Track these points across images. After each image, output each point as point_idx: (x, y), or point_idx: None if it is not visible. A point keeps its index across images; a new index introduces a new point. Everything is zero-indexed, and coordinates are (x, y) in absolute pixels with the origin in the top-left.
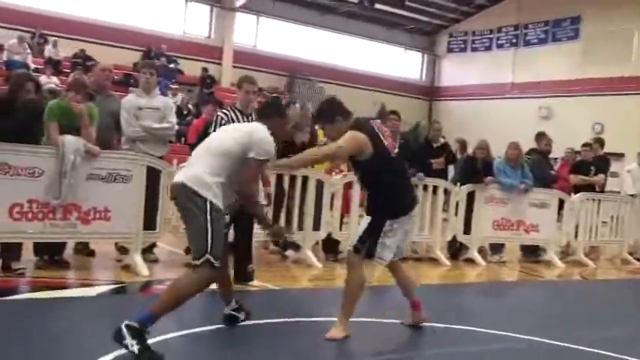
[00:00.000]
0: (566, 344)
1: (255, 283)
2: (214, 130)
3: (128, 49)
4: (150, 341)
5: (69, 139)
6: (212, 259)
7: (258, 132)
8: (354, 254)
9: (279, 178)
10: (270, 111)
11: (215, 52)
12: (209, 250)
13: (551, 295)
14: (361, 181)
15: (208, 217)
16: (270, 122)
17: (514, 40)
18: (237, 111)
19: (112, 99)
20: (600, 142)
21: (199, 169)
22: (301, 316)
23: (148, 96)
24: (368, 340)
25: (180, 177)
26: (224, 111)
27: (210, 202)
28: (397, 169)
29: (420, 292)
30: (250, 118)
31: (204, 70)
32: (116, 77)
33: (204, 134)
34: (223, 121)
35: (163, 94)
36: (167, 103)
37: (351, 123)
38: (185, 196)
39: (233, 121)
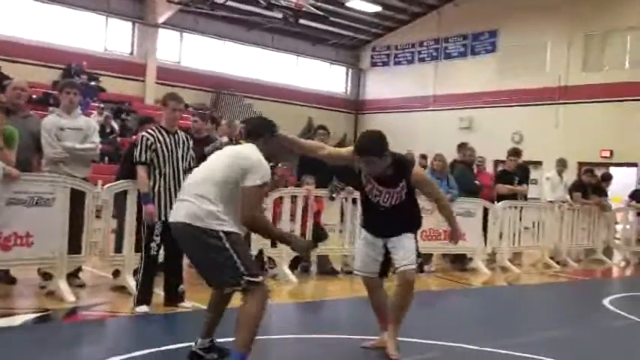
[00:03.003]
0: (494, 349)
1: (186, 303)
2: (140, 152)
3: (48, 66)
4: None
5: None
6: (251, 278)
7: (251, 155)
8: (414, 272)
9: None
10: (261, 130)
11: (138, 68)
12: (243, 272)
13: (478, 301)
14: (396, 203)
15: (227, 244)
16: (260, 142)
17: (435, 54)
18: (162, 130)
19: (31, 119)
20: (517, 152)
21: (199, 203)
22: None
23: (70, 116)
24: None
25: (179, 216)
26: (149, 131)
27: (224, 232)
28: None
29: (350, 305)
30: (176, 136)
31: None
32: (34, 96)
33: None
34: (149, 142)
35: (85, 113)
36: (90, 123)
37: (400, 158)
38: (194, 237)
39: (159, 141)
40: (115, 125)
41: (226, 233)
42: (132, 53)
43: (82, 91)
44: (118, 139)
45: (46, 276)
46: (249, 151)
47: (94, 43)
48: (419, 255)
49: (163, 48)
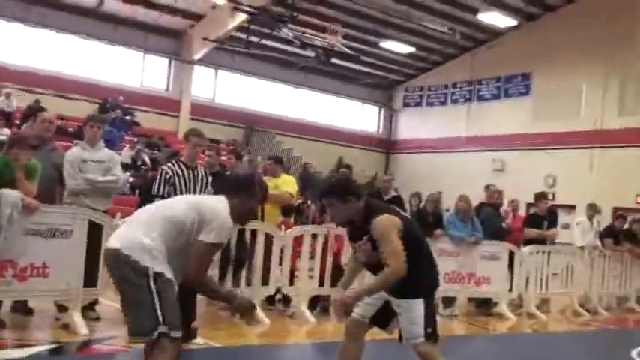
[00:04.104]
0: None
1: (198, 340)
2: (158, 186)
3: (84, 100)
4: None
5: (6, 193)
6: (167, 331)
7: (215, 210)
8: (428, 343)
9: (241, 233)
10: (242, 187)
11: (173, 104)
12: (161, 320)
13: (502, 348)
14: (373, 259)
15: (152, 285)
16: (235, 200)
17: (468, 96)
18: (182, 165)
19: (56, 152)
20: (544, 196)
21: (139, 232)
22: None
23: (93, 149)
24: None
25: (114, 241)
26: (168, 165)
27: (154, 272)
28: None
29: (369, 347)
30: (196, 171)
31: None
32: (71, 129)
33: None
34: (168, 176)
35: (114, 145)
36: (112, 156)
37: (370, 205)
38: (120, 267)
39: (178, 176)
40: (147, 159)
41: (156, 274)
42: (167, 89)
43: (117, 125)
44: (150, 173)
45: (62, 308)
46: (215, 204)
47: (131, 79)
48: (430, 324)
49: (198, 84)
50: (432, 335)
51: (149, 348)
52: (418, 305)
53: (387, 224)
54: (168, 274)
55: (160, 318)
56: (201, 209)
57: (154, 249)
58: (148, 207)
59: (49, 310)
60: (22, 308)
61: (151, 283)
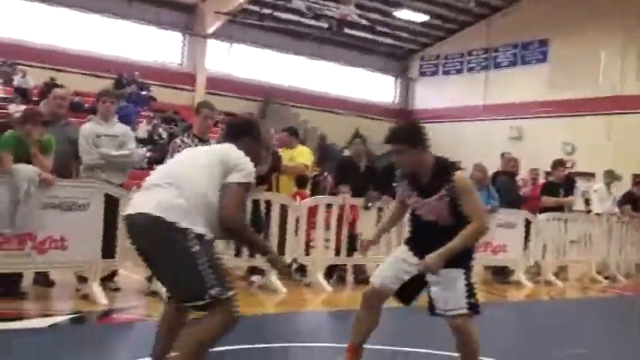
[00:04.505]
0: None
1: None
2: (170, 157)
3: (100, 77)
4: None
5: (22, 168)
6: (218, 294)
7: (235, 152)
8: (468, 316)
9: (256, 203)
10: (240, 130)
11: (188, 78)
12: (210, 284)
13: (518, 315)
14: (439, 220)
15: (196, 247)
16: (240, 144)
17: (484, 63)
18: (194, 137)
19: (70, 126)
20: (562, 163)
21: (170, 193)
22: (269, 342)
23: (107, 123)
24: None
25: (140, 207)
26: (181, 137)
27: (195, 233)
28: None
29: (385, 315)
30: (208, 144)
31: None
32: (87, 105)
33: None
34: (180, 148)
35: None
36: (126, 131)
37: (443, 162)
38: (156, 233)
39: (190, 148)
40: (164, 133)
41: (198, 236)
42: (182, 64)
43: (133, 100)
44: (167, 147)
45: (82, 279)
46: (230, 148)
47: (145, 54)
48: (472, 295)
49: (212, 58)
50: (473, 306)
51: (198, 313)
52: (460, 274)
53: (469, 181)
54: (209, 235)
55: (210, 281)
56: (222, 155)
57: (191, 209)
58: (164, 168)
59: (69, 283)
60: (44, 280)
61: (195, 245)
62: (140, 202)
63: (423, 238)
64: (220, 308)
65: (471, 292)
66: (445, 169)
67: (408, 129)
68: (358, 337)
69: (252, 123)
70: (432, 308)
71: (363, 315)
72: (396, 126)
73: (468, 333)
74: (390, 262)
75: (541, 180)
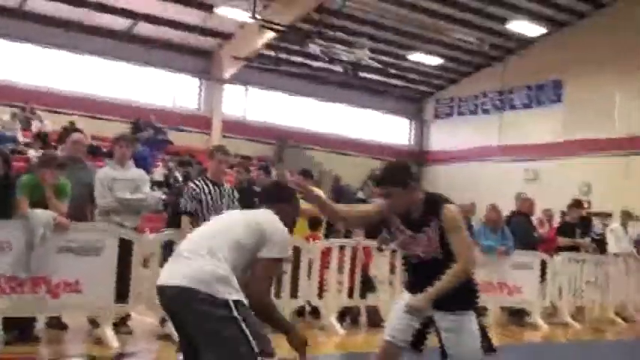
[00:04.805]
0: None
1: None
2: (185, 202)
3: (118, 121)
4: None
5: (38, 213)
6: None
7: (273, 223)
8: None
9: None
10: (276, 195)
11: (204, 122)
12: (257, 350)
13: (536, 358)
14: (432, 256)
15: (238, 316)
16: (277, 208)
17: (499, 105)
18: (208, 181)
19: (86, 170)
20: (579, 204)
21: (204, 261)
22: None
23: (122, 168)
24: None
25: (175, 278)
26: (195, 182)
27: (233, 301)
28: None
29: None
30: (222, 187)
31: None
32: (105, 150)
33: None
34: (195, 192)
35: (148, 164)
36: (141, 175)
37: (433, 196)
38: (195, 306)
39: (204, 192)
40: (179, 176)
41: (235, 302)
42: (199, 108)
43: (150, 144)
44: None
45: (95, 323)
46: (268, 217)
47: (163, 98)
48: (486, 336)
49: (229, 102)
50: (489, 348)
51: None
52: (471, 318)
53: (459, 215)
54: (244, 298)
55: (256, 348)
56: (261, 224)
57: (227, 276)
58: (198, 235)
59: (82, 325)
60: (57, 324)
61: (235, 313)
62: (175, 272)
63: (420, 281)
64: None
65: (484, 333)
66: (435, 203)
67: (396, 170)
68: None
69: (287, 188)
70: (444, 354)
71: None
72: (383, 168)
73: None
74: (398, 313)
75: (556, 220)
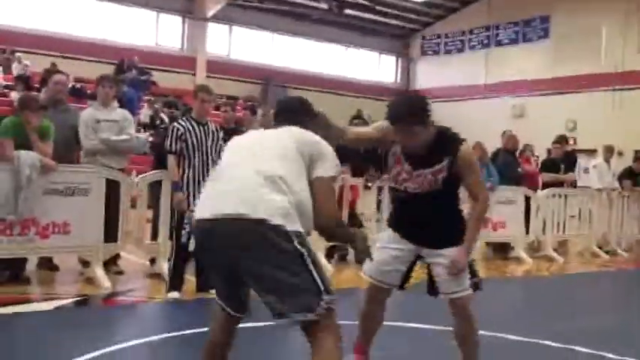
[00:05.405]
0: (530, 339)
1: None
2: (170, 142)
3: (101, 62)
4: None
5: (24, 155)
6: (330, 299)
7: (309, 136)
8: (471, 296)
9: None
10: (301, 112)
11: (188, 62)
12: (323, 291)
13: (518, 291)
14: (429, 191)
15: (304, 252)
16: (304, 125)
17: (486, 41)
18: (193, 121)
19: (70, 112)
20: (565, 140)
21: (266, 187)
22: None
23: (107, 109)
24: None
25: (229, 207)
26: (179, 121)
27: (298, 234)
28: None
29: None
30: (206, 127)
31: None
32: (89, 91)
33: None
34: (179, 132)
35: (133, 105)
36: (126, 116)
37: (445, 131)
38: (256, 238)
39: (189, 132)
40: (165, 117)
41: (299, 235)
42: (182, 47)
43: (134, 85)
44: None
45: (86, 263)
46: (305, 133)
47: (145, 39)
48: (474, 272)
49: (213, 41)
50: (476, 284)
51: (308, 325)
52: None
53: (474, 154)
54: (305, 233)
55: (321, 286)
56: (300, 143)
57: (288, 206)
58: (239, 157)
59: (73, 266)
60: (48, 265)
61: (302, 249)
62: (227, 201)
63: (406, 218)
64: (330, 320)
65: (473, 269)
66: (449, 141)
67: (416, 105)
68: (366, 338)
69: (309, 103)
70: (432, 289)
71: (369, 312)
72: (399, 103)
73: (470, 312)
74: (385, 257)
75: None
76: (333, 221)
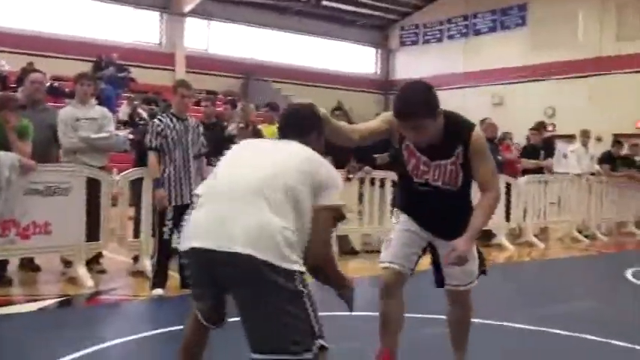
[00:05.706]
0: (514, 324)
1: None
2: (150, 138)
3: (78, 60)
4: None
5: (2, 155)
6: (323, 342)
7: (324, 163)
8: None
9: None
10: (309, 124)
11: (167, 58)
12: (317, 333)
13: (500, 277)
14: (449, 184)
15: (304, 291)
16: (308, 141)
17: (464, 31)
18: (172, 117)
19: (49, 112)
20: (544, 126)
21: (268, 215)
22: None
23: (85, 107)
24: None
25: (229, 239)
26: (159, 117)
27: (299, 272)
28: None
29: (371, 284)
30: (186, 122)
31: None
32: (67, 90)
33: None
34: (159, 128)
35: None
36: (104, 113)
37: (454, 117)
38: (258, 278)
39: (169, 127)
40: (144, 114)
41: (301, 274)
42: (160, 43)
43: (113, 83)
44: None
45: (68, 263)
46: (313, 155)
47: (122, 35)
48: (483, 262)
49: (191, 36)
50: (484, 271)
51: None
52: (474, 248)
53: (485, 141)
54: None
55: (316, 329)
56: (314, 166)
57: (293, 239)
58: (239, 175)
59: (55, 266)
60: (29, 265)
61: (300, 287)
62: (228, 230)
63: (422, 207)
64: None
65: (482, 258)
66: (460, 127)
67: (423, 99)
68: (392, 341)
69: (319, 115)
70: (440, 281)
71: (389, 310)
72: (406, 98)
73: (470, 301)
74: (403, 246)
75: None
76: (322, 258)
